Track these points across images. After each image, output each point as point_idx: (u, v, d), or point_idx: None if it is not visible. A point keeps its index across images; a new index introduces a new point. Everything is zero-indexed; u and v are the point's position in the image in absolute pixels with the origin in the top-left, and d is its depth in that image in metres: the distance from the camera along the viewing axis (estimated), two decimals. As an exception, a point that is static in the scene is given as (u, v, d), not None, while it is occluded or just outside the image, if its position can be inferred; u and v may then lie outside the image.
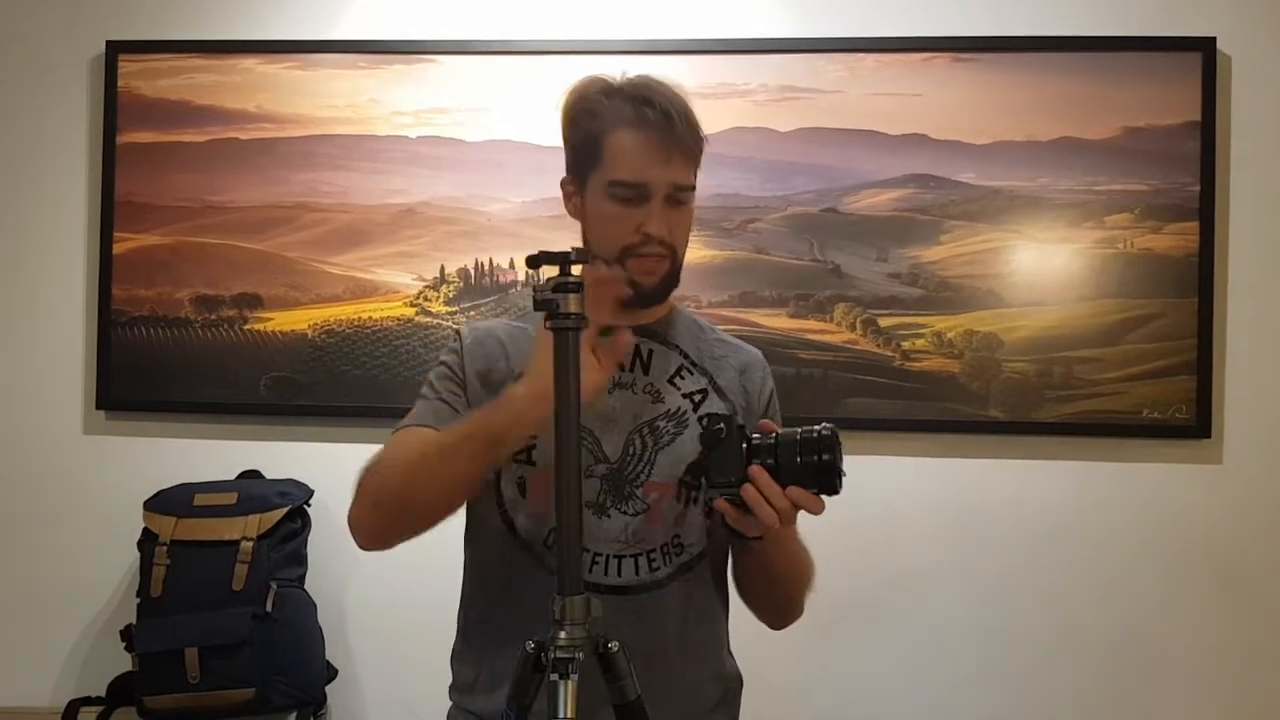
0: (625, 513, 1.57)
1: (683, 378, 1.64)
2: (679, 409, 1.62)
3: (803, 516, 1.45)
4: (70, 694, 2.64)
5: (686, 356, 1.66)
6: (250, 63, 2.75)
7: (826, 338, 2.64)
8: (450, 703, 1.66)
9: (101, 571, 2.72)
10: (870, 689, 2.64)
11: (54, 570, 2.74)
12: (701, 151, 1.59)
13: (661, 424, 1.60)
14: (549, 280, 1.33)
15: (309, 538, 2.58)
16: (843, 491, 1.41)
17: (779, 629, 1.72)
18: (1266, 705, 2.58)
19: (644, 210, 1.54)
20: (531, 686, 1.34)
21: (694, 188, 1.59)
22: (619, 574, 1.57)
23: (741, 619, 1.71)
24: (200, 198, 2.75)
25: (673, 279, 1.61)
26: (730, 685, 1.71)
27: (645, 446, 1.60)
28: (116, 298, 2.74)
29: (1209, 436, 2.57)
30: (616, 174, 1.55)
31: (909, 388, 2.62)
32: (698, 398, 1.63)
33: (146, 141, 2.76)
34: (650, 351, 1.64)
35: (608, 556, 1.57)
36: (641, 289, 1.58)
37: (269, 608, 2.43)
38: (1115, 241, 2.60)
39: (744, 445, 1.43)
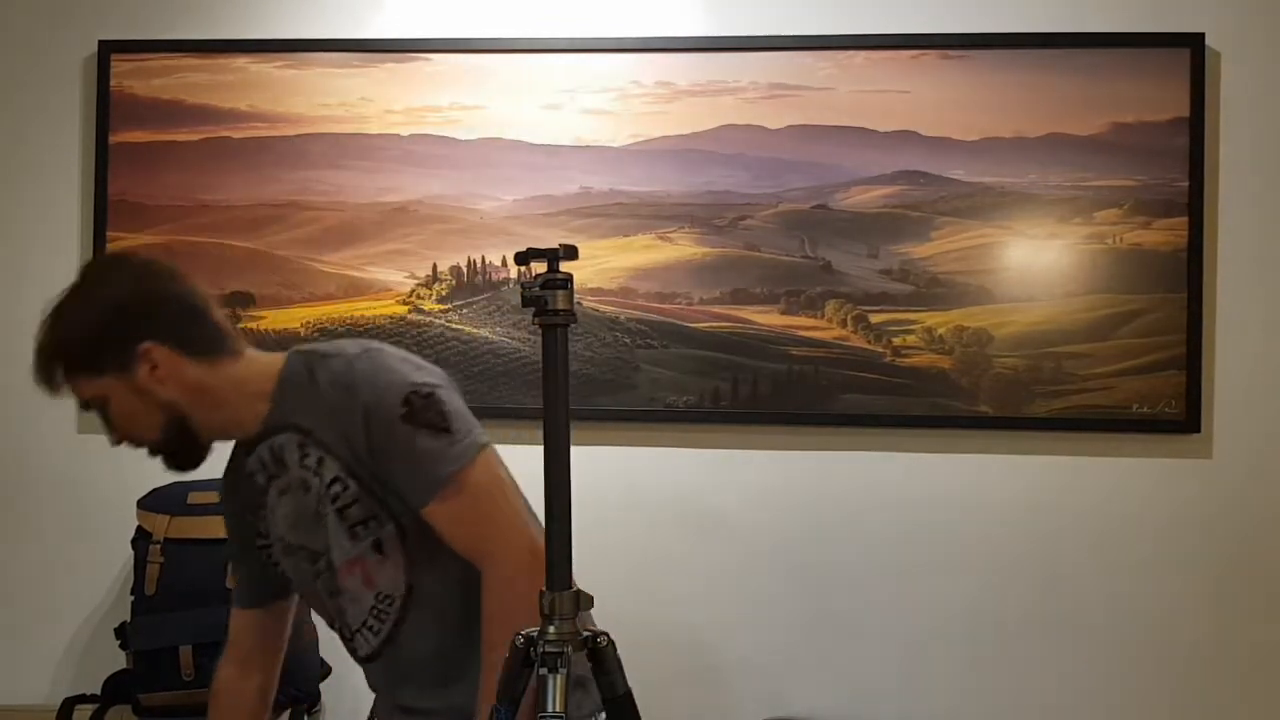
0: (346, 591, 1.65)
1: (307, 454, 1.62)
2: (318, 488, 1.61)
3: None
4: (65, 692, 2.65)
5: (300, 429, 1.62)
6: (242, 62, 2.75)
7: (818, 334, 2.65)
8: None
9: (96, 570, 2.72)
10: (860, 681, 2.65)
11: (48, 569, 2.75)
12: (69, 360, 1.62)
13: (323, 508, 1.61)
14: (537, 277, 1.34)
15: (303, 535, 2.59)
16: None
17: None
18: (1259, 699, 2.60)
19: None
20: (521, 680, 1.35)
21: (99, 395, 1.62)
22: (366, 646, 1.68)
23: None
24: (193, 197, 2.75)
25: (166, 443, 1.65)
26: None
27: (328, 531, 1.62)
28: (110, 297, 2.74)
29: (1198, 431, 2.58)
30: None
31: (900, 384, 2.63)
32: (319, 467, 1.62)
33: (139, 141, 2.76)
34: (281, 445, 1.64)
35: (355, 631, 1.68)
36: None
37: (263, 605, 2.44)
38: (1104, 237, 2.61)
39: None
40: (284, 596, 1.82)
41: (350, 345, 1.63)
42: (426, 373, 1.62)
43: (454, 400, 1.61)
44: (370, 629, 1.66)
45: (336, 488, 1.59)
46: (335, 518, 1.60)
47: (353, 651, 1.71)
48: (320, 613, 1.75)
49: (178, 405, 1.60)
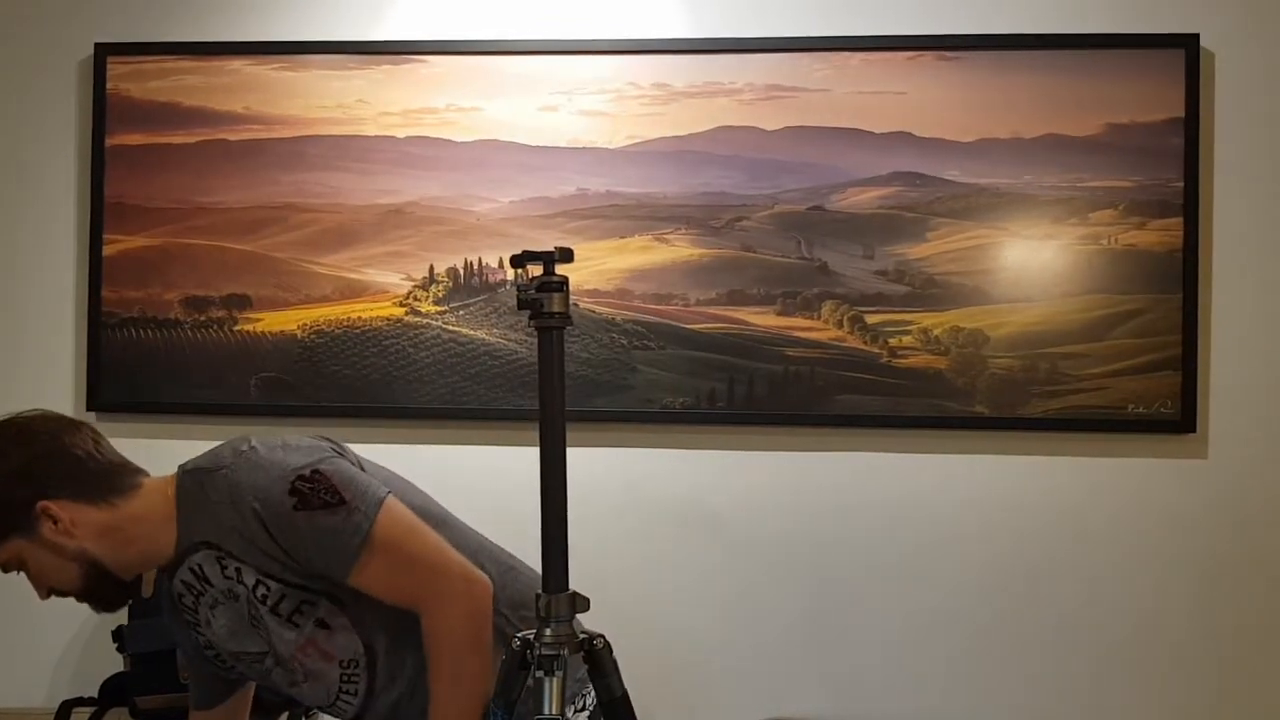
0: (310, 673, 1.69)
1: (226, 566, 1.65)
2: (245, 594, 1.65)
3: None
4: (63, 695, 2.64)
5: (210, 544, 1.65)
6: (239, 64, 2.75)
7: (814, 335, 2.65)
8: None
9: (93, 572, 2.72)
10: (856, 682, 2.65)
11: (46, 571, 2.75)
12: None
13: (255, 610, 1.65)
14: (533, 279, 1.34)
15: (300, 537, 2.59)
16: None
17: None
18: (1251, 699, 2.60)
19: None
20: (518, 683, 1.35)
21: (13, 558, 1.64)
22: (350, 710, 1.71)
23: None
24: (189, 199, 2.76)
25: (89, 590, 1.67)
26: None
27: (267, 631, 1.66)
28: (106, 299, 2.75)
29: (1194, 431, 2.59)
30: None
31: (896, 384, 2.63)
32: (240, 576, 1.65)
33: (136, 143, 2.76)
34: (200, 563, 1.66)
35: (332, 703, 1.71)
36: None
37: (260, 607, 2.44)
38: (1100, 237, 2.62)
39: None
40: (239, 689, 1.88)
41: (226, 454, 1.65)
42: (304, 452, 1.64)
43: (340, 467, 1.63)
44: (348, 692, 1.70)
45: (261, 590, 1.63)
46: (270, 615, 1.64)
47: (340, 715, 1.75)
48: (289, 696, 1.79)
49: (88, 552, 1.63)
